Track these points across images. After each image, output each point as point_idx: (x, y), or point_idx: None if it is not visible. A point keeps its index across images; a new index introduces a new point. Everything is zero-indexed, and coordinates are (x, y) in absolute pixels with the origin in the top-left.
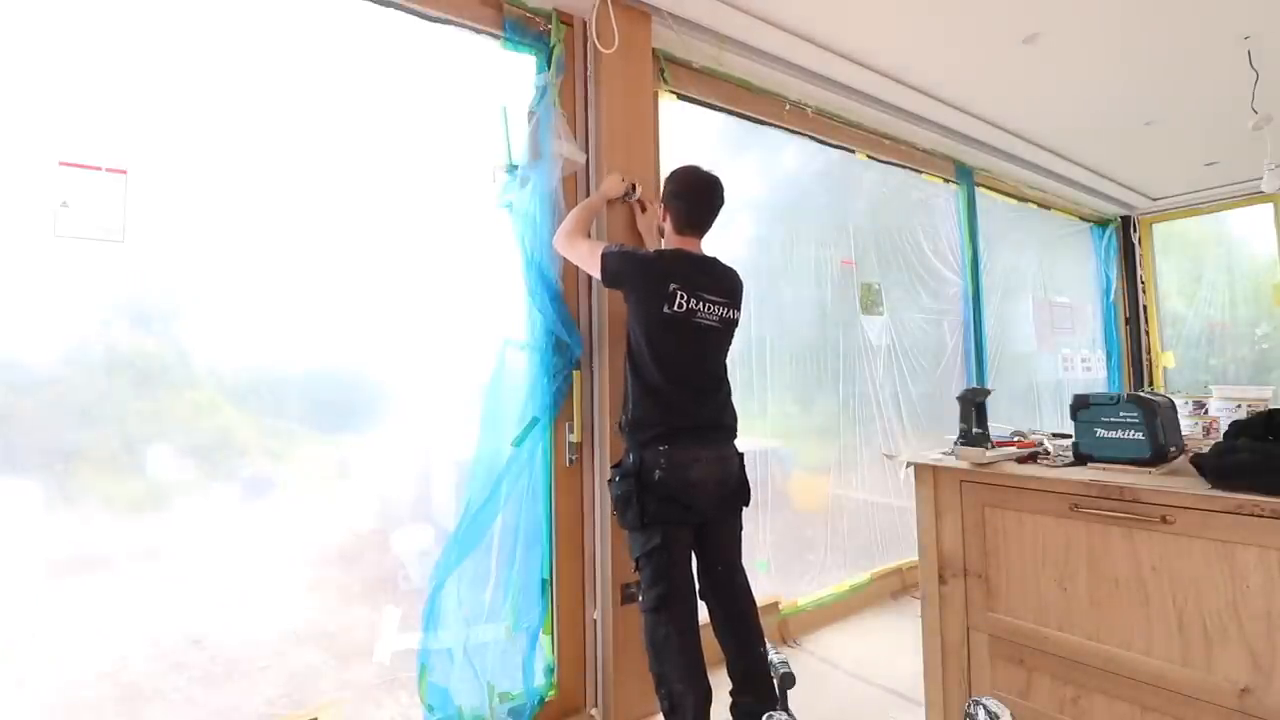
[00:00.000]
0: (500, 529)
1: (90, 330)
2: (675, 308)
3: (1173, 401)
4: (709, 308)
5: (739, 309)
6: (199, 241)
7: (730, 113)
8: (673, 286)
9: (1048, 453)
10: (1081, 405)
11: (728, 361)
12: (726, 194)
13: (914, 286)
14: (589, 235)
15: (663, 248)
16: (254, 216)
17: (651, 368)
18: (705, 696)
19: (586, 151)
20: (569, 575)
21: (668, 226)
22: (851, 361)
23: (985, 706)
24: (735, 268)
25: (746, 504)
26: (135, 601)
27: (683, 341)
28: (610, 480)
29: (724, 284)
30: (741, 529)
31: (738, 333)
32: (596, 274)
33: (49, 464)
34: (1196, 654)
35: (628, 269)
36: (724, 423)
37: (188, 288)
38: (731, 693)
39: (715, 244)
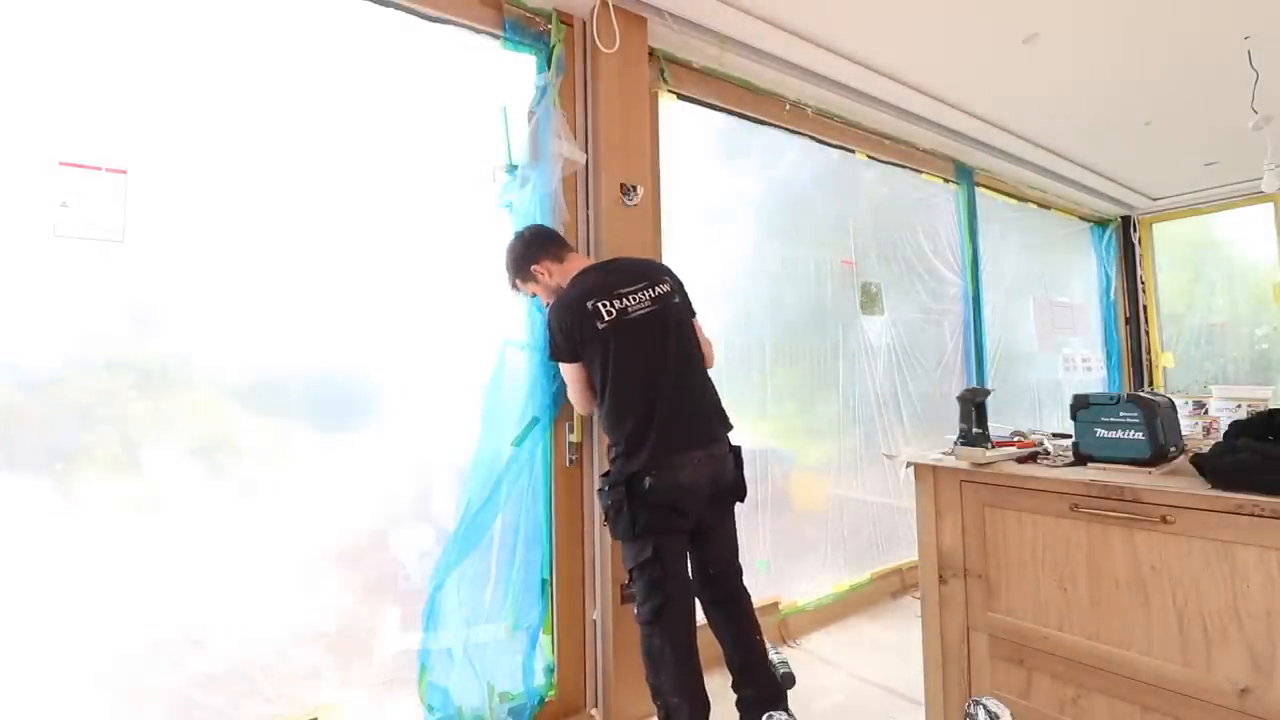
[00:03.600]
0: (500, 529)
1: (90, 330)
2: (605, 319)
3: (1173, 401)
4: (633, 299)
5: (668, 284)
6: (199, 242)
7: (730, 113)
8: (589, 304)
9: (1048, 453)
10: (1081, 405)
11: (716, 349)
12: (725, 193)
13: (914, 286)
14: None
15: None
16: (254, 217)
17: (617, 386)
18: (702, 710)
19: (586, 151)
20: (569, 575)
21: (554, 274)
22: (851, 361)
23: (985, 706)
24: (735, 267)
25: (742, 500)
26: (135, 601)
27: (632, 345)
28: (599, 490)
29: (632, 271)
30: (735, 525)
31: (737, 332)
32: (572, 370)
33: (49, 464)
34: (1196, 654)
35: (559, 330)
36: (704, 411)
37: (188, 288)
38: (734, 687)
39: (716, 244)
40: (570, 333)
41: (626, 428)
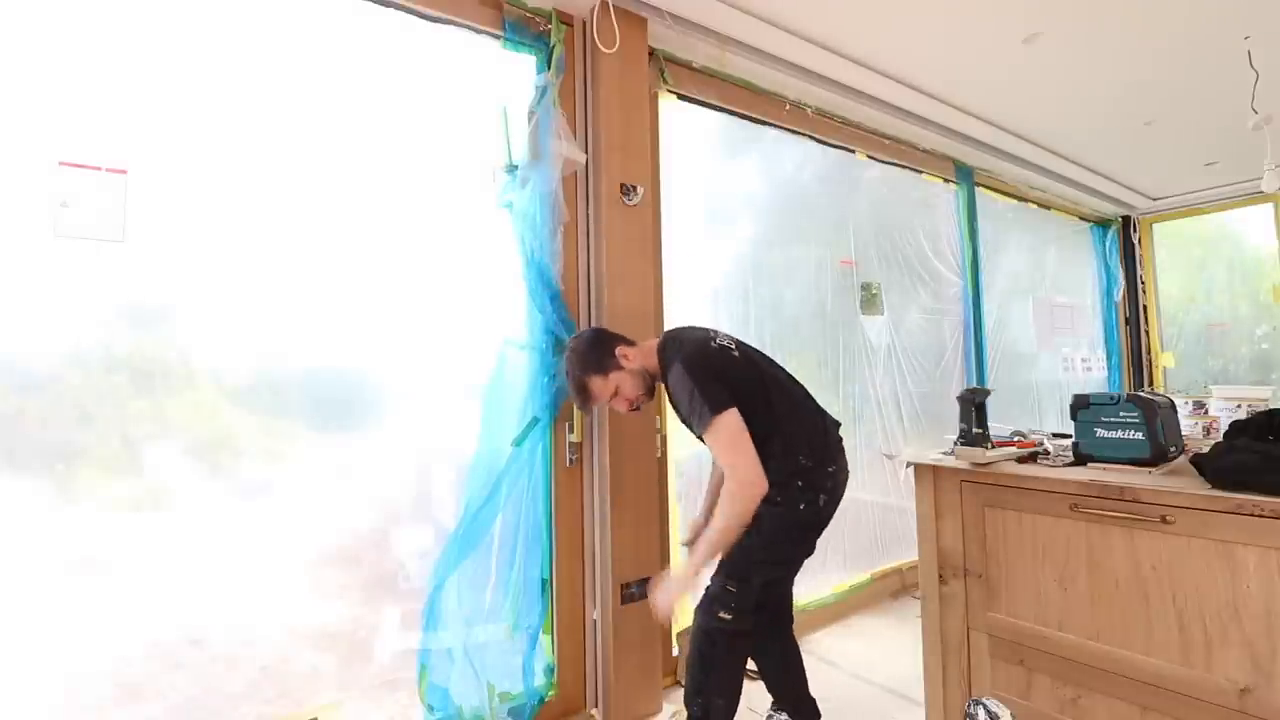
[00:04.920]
0: (500, 529)
1: (90, 330)
2: (732, 348)
3: (1173, 401)
4: (729, 335)
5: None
6: (199, 241)
7: (730, 113)
8: (713, 344)
9: (1048, 453)
10: (1081, 405)
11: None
12: (725, 193)
13: (914, 286)
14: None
15: (645, 367)
16: (254, 217)
17: (781, 402)
18: (734, 716)
19: (586, 151)
20: (569, 575)
21: (634, 357)
22: (851, 361)
23: (985, 707)
24: (735, 267)
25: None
26: (135, 601)
27: (766, 364)
28: (778, 501)
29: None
30: None
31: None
32: (735, 419)
33: (49, 464)
34: (1196, 654)
35: (708, 375)
36: (835, 427)
37: (188, 288)
38: (785, 709)
39: (717, 244)
40: (719, 374)
41: (801, 440)
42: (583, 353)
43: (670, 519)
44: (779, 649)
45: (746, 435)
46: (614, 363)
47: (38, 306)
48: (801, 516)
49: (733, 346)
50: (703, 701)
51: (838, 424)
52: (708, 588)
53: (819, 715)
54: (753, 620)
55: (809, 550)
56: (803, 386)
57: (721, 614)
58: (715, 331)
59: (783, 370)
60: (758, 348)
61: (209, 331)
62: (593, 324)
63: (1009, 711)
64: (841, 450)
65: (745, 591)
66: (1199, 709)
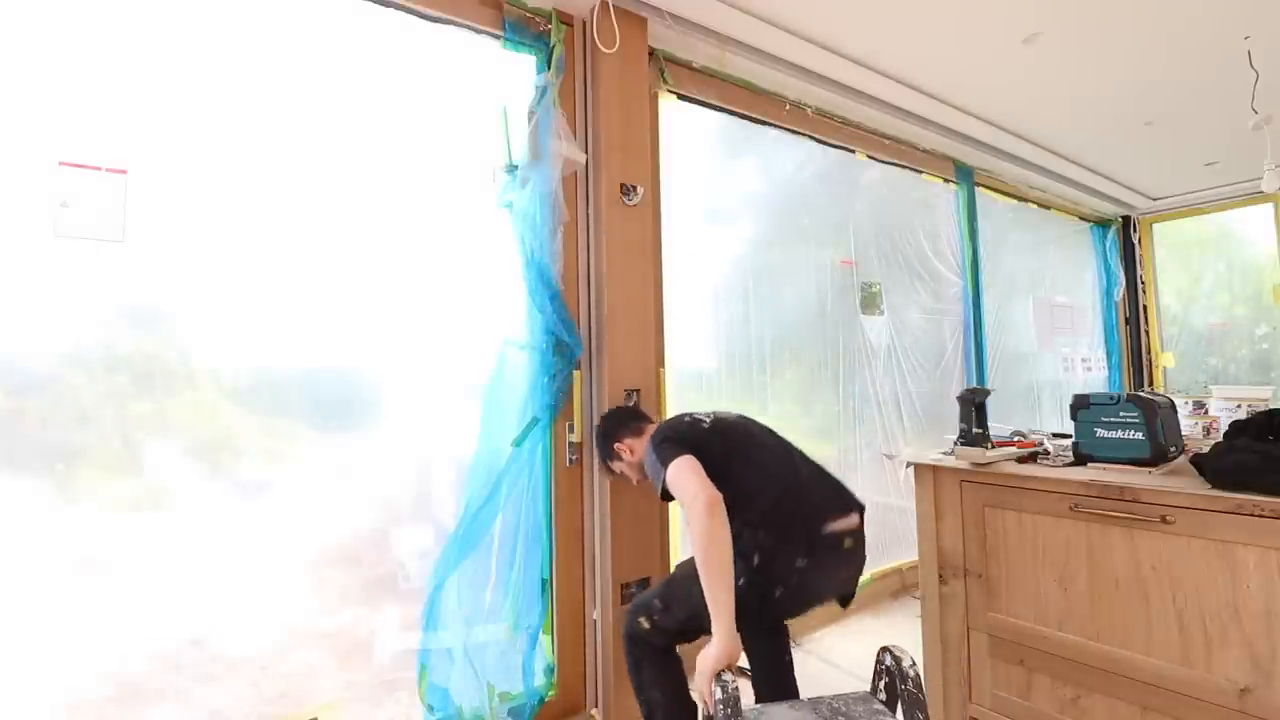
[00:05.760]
0: (500, 529)
1: (90, 330)
2: (705, 422)
3: (1173, 401)
4: (717, 413)
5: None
6: (199, 241)
7: (730, 113)
8: (685, 418)
9: (1048, 453)
10: (1081, 405)
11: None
12: (725, 193)
13: (914, 286)
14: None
15: (642, 454)
16: (254, 217)
17: (739, 471)
18: (687, 709)
19: (586, 151)
20: (569, 575)
21: (635, 450)
22: (851, 361)
23: (890, 652)
24: (735, 267)
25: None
26: (135, 601)
27: (745, 433)
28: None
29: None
30: None
31: (737, 332)
32: (688, 461)
33: (49, 464)
34: (1196, 654)
35: (666, 437)
36: (837, 483)
37: (188, 288)
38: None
39: (716, 244)
40: (679, 440)
41: (756, 516)
42: (597, 440)
43: (670, 519)
44: (763, 646)
45: (699, 467)
46: (614, 454)
47: (38, 306)
48: (739, 590)
49: (705, 420)
50: (645, 699)
51: (849, 508)
52: (647, 589)
53: None
54: (679, 635)
55: (751, 623)
56: (790, 460)
57: (641, 619)
58: (701, 412)
59: (771, 440)
60: (741, 407)
61: (209, 331)
62: (593, 324)
63: (910, 656)
64: (826, 544)
65: (671, 616)
66: (1199, 709)
